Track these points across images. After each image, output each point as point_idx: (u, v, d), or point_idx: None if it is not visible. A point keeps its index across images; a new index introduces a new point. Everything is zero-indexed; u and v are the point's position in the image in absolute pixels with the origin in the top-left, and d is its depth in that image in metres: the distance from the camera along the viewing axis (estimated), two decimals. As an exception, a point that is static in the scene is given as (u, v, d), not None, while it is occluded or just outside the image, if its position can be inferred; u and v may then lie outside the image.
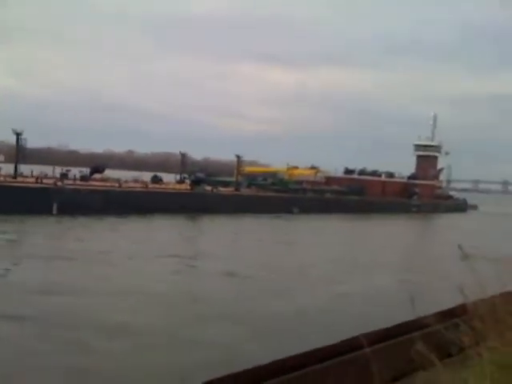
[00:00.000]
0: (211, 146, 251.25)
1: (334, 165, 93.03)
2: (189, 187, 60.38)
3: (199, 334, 14.29)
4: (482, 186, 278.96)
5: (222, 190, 63.30)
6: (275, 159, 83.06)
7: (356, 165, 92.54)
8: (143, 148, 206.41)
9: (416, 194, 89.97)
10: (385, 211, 73.77)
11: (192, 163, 75.10)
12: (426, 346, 5.30)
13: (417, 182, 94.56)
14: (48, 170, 56.55)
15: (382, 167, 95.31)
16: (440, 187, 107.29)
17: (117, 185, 53.99)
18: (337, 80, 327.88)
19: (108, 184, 53.92)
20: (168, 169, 74.91)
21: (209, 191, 60.19)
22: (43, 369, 11.56)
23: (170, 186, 61.43)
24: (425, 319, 6.89)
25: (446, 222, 74.18)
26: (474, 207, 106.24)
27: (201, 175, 64.12)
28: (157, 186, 59.45)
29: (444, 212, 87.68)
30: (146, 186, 56.76)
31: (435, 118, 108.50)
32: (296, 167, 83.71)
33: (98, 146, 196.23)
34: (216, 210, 53.78)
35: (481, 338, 5.18)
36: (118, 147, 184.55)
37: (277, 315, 16.63)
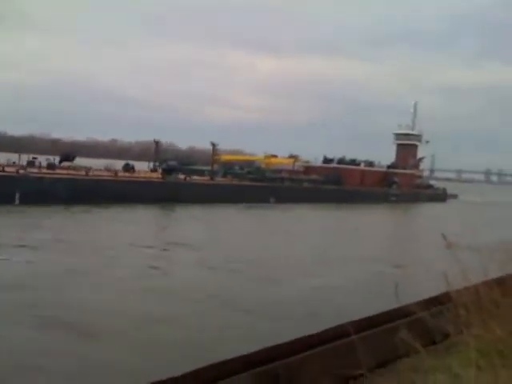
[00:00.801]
0: (198, 135, 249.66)
1: (319, 154, 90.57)
2: (160, 176, 58.70)
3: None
4: (465, 176, 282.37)
5: (196, 178, 61.70)
6: (260, 148, 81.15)
7: (341, 154, 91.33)
8: (128, 137, 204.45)
9: (395, 183, 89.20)
10: (363, 201, 72.92)
11: (165, 151, 73.03)
12: (411, 333, 5.37)
13: (396, 171, 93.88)
14: (23, 158, 53.99)
15: (368, 157, 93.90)
16: (420, 176, 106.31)
17: (84, 173, 51.71)
18: (324, 69, 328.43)
19: (75, 172, 51.61)
20: (151, 157, 73.13)
21: (181, 180, 58.44)
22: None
23: (142, 175, 59.21)
24: (409, 307, 6.99)
25: (425, 211, 74.12)
26: (454, 196, 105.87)
27: (173, 163, 62.20)
28: (127, 174, 57.42)
29: (424, 201, 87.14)
30: (116, 175, 54.55)
31: (415, 107, 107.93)
32: (275, 156, 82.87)
33: (81, 135, 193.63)
34: (189, 199, 52.18)
35: (465, 326, 5.26)
36: (103, 136, 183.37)
37: (254, 304, 16.50)
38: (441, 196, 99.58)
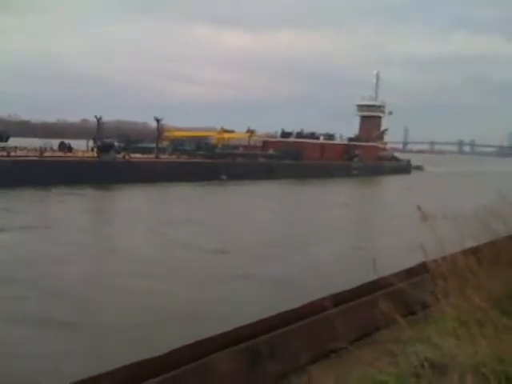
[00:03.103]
0: (167, 113, 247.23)
1: (288, 129, 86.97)
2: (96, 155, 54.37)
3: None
4: (438, 147, 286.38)
5: (139, 156, 57.44)
6: (230, 126, 78.05)
7: (310, 129, 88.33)
8: (105, 117, 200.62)
9: (357, 156, 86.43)
10: (323, 175, 69.31)
11: (105, 128, 65.56)
12: (390, 304, 5.37)
13: (358, 143, 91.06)
14: None
15: (338, 131, 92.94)
16: (385, 149, 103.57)
17: (5, 153, 47.42)
18: (297, 43, 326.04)
19: None
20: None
21: (119, 159, 54.75)
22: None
23: (79, 155, 54.71)
24: (387, 279, 7.02)
25: (387, 183, 72.98)
26: (420, 168, 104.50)
27: (109, 141, 56.89)
28: (58, 154, 53.06)
29: (387, 174, 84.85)
30: (41, 155, 50.16)
31: (378, 77, 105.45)
32: (232, 131, 79.04)
33: (51, 116, 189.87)
34: (128, 179, 48.48)
35: (443, 295, 5.28)
36: (72, 116, 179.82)
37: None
38: (405, 168, 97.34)
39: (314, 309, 7.10)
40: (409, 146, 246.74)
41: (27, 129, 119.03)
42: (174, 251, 21.20)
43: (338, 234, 27.39)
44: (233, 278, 16.78)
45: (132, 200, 40.66)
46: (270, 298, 14.03)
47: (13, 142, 54.30)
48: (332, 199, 45.50)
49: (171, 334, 10.85)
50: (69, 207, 34.74)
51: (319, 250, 22.35)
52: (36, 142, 56.77)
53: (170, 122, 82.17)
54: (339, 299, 7.38)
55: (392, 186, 68.78)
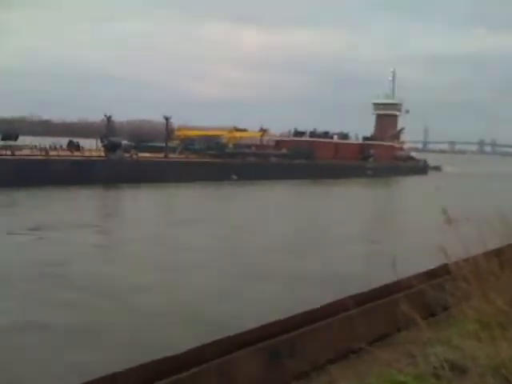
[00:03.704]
0: (193, 112, 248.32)
1: (303, 128, 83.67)
2: (103, 154, 53.25)
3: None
4: (458, 147, 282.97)
5: (147, 156, 56.11)
6: (246, 124, 76.16)
7: (325, 128, 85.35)
8: (121, 116, 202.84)
9: (371, 156, 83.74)
10: (337, 175, 66.89)
11: (123, 127, 65.27)
12: (410, 306, 5.37)
13: (373, 143, 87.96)
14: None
15: (352, 130, 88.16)
16: (401, 148, 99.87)
17: (9, 153, 46.45)
18: (311, 42, 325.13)
19: (4, 152, 46.64)
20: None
21: (127, 158, 53.34)
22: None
23: (86, 154, 53.43)
24: (408, 280, 7.00)
25: (405, 185, 71.35)
26: (438, 168, 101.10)
27: (116, 139, 55.39)
28: (63, 153, 51.72)
29: (403, 174, 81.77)
30: (46, 154, 49.20)
31: (394, 75, 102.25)
32: (245, 130, 76.49)
33: (72, 115, 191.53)
34: (136, 179, 47.29)
35: (464, 298, 5.26)
36: (95, 116, 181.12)
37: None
38: (422, 168, 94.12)
39: (334, 309, 7.12)
40: (429, 146, 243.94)
41: (47, 128, 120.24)
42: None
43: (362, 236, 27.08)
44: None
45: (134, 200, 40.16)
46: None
47: (29, 140, 53.56)
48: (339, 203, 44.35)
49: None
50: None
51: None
52: (48, 141, 55.85)
53: (189, 121, 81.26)
54: (359, 300, 7.38)
55: (407, 187, 67.11)
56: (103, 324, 12.24)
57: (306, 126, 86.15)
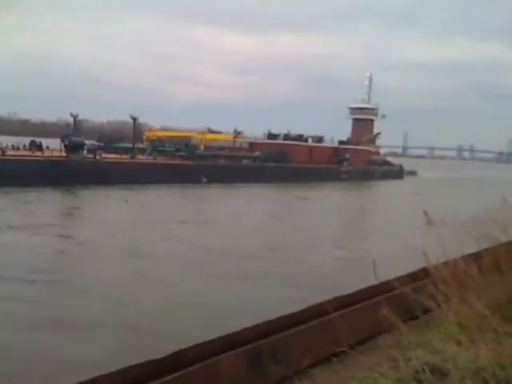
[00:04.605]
0: (173, 115, 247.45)
1: (282, 131, 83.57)
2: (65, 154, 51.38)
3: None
4: (437, 153, 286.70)
5: (112, 157, 54.68)
6: (230, 127, 75.30)
7: (308, 132, 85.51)
8: (100, 117, 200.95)
9: (346, 159, 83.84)
10: (311, 179, 66.45)
11: (81, 127, 62.23)
12: (391, 309, 5.42)
13: (348, 147, 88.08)
14: None
15: (334, 134, 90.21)
16: (377, 152, 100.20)
17: None
18: (295, 46, 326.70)
19: None
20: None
21: (89, 158, 51.65)
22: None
23: (47, 154, 51.10)
24: (389, 283, 7.07)
25: (377, 189, 71.55)
26: (413, 173, 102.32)
27: (76, 139, 52.42)
28: (21, 153, 49.84)
29: (378, 179, 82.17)
30: (2, 153, 47.37)
31: (371, 79, 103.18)
32: (219, 132, 76.44)
33: (50, 115, 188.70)
34: (98, 180, 45.79)
35: (444, 301, 5.33)
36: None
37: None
38: (397, 173, 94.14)
39: (315, 312, 7.15)
40: (409, 151, 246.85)
41: (25, 128, 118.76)
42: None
43: (339, 240, 27.07)
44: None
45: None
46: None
47: (4, 140, 52.18)
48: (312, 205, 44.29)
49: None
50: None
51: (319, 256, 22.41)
52: (26, 142, 54.63)
53: (172, 123, 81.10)
54: (341, 303, 7.43)
55: (382, 191, 67.38)
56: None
57: (284, 129, 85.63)
